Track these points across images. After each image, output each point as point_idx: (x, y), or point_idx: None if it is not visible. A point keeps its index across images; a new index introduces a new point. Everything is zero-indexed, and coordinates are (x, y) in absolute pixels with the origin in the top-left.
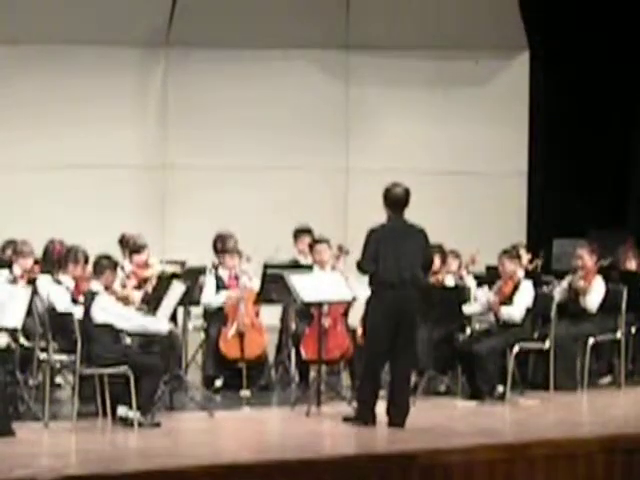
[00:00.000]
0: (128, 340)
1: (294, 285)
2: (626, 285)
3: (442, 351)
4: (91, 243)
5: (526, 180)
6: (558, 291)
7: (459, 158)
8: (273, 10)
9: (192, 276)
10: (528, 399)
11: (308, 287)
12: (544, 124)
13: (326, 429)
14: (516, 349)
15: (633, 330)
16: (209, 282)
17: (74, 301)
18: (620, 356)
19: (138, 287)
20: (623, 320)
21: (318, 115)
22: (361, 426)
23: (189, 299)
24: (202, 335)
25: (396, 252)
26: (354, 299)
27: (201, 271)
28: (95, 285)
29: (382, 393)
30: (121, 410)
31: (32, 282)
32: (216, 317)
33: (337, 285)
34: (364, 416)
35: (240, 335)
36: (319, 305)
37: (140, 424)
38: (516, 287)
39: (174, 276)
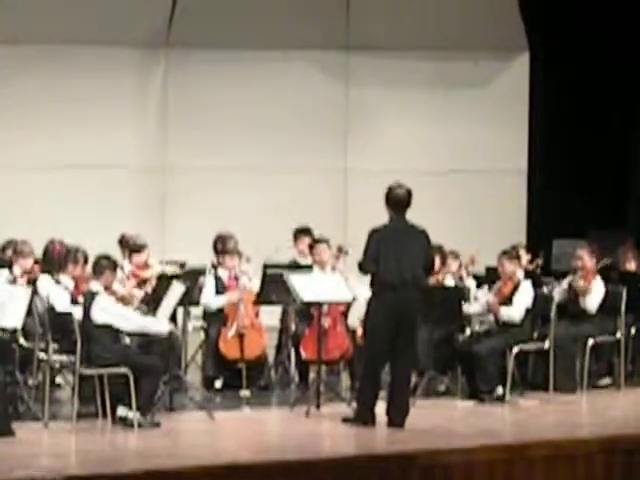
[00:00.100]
0: (128, 340)
1: (294, 285)
2: (626, 286)
3: (442, 352)
4: (91, 243)
5: (526, 180)
6: (558, 292)
7: (459, 159)
8: (273, 11)
9: (192, 277)
10: (528, 400)
11: (308, 287)
12: (544, 125)
13: (326, 429)
14: (516, 350)
15: (633, 331)
16: (209, 283)
17: (74, 301)
18: (620, 357)
19: (138, 287)
20: (623, 321)
21: (318, 116)
22: (361, 427)
23: (189, 299)
24: (202, 335)
25: (398, 253)
26: (354, 299)
27: (201, 272)
28: (95, 285)
29: (382, 394)
30: (121, 410)
31: (32, 282)
32: (216, 318)
33: (337, 285)
34: (364, 417)
35: (240, 335)
36: (319, 305)
37: (140, 424)
38: (516, 288)
39: (174, 276)
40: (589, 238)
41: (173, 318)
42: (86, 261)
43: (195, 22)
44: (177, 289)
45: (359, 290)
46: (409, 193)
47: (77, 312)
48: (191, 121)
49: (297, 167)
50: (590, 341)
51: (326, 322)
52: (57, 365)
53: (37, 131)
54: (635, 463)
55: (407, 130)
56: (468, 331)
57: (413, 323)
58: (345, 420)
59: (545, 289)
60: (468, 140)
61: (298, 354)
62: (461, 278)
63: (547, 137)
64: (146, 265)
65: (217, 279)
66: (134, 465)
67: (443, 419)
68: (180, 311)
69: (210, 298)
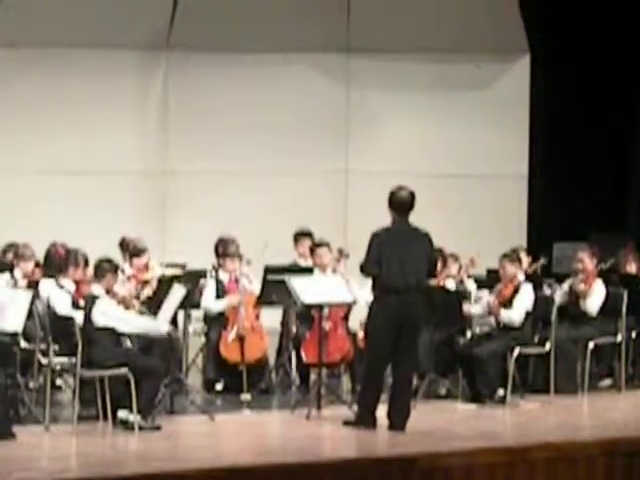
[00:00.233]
0: (128, 343)
1: (294, 287)
2: (626, 288)
3: (443, 354)
4: (92, 247)
5: (527, 183)
6: (558, 294)
7: (459, 161)
8: (274, 13)
9: (192, 279)
10: (528, 402)
11: (308, 289)
12: (545, 127)
13: (326, 432)
14: (516, 352)
15: (633, 334)
16: (209, 286)
17: (75, 304)
18: (620, 359)
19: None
20: (623, 323)
21: (319, 118)
22: (361, 429)
23: (189, 302)
24: (202, 338)
25: (401, 257)
26: (354, 302)
27: (201, 274)
28: (96, 289)
29: (383, 396)
30: (121, 413)
31: (33, 285)
32: (216, 321)
33: (337, 288)
34: (365, 420)
35: (240, 338)
36: (320, 308)
37: (140, 427)
38: (516, 290)
39: (174, 279)
40: (590, 241)
41: (174, 321)
42: (87, 264)
43: (196, 25)
44: (178, 292)
45: (360, 293)
46: (412, 196)
47: (78, 315)
48: (192, 124)
49: (298, 170)
50: (591, 343)
51: (327, 325)
52: (58, 368)
53: (38, 134)
54: (636, 465)
55: (408, 133)
56: (469, 334)
57: (416, 327)
58: (346, 423)
59: (546, 288)
60: (469, 143)
61: (299, 357)
62: (461, 281)
63: (548, 140)
64: (147, 268)
65: (218, 282)
66: (135, 468)
67: (444, 422)
68: (181, 314)
69: (210, 302)
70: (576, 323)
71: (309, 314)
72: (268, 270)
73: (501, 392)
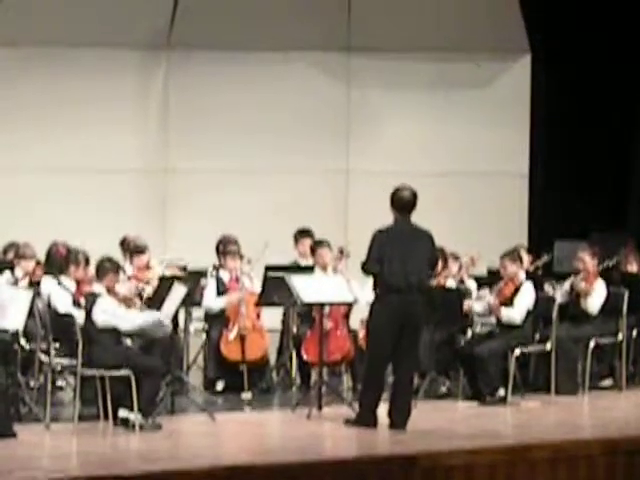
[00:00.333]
0: (129, 342)
1: (295, 286)
2: (627, 288)
3: (443, 353)
4: (92, 246)
5: (527, 182)
6: (559, 293)
7: (460, 160)
8: (274, 12)
9: (193, 278)
10: (529, 401)
11: (309, 288)
12: (545, 126)
13: (327, 431)
14: (517, 351)
15: (634, 333)
16: (210, 284)
17: (75, 303)
18: (621, 359)
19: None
20: (624, 323)
21: (319, 117)
22: (362, 428)
23: (190, 301)
24: (203, 337)
25: (403, 256)
26: (355, 301)
27: (202, 273)
28: (97, 287)
29: (384, 396)
30: (122, 412)
31: (34, 284)
32: (217, 319)
33: (338, 287)
34: (365, 419)
35: (241, 337)
36: (320, 307)
37: (141, 426)
38: (517, 289)
39: (175, 278)
40: (591, 240)
41: (175, 320)
42: (87, 263)
43: (196, 24)
44: (179, 291)
45: (360, 292)
46: (415, 195)
47: (79, 314)
48: (192, 123)
49: (298, 169)
50: (592, 343)
51: (328, 324)
52: (58, 367)
53: (38, 133)
54: (637, 464)
55: (408, 132)
56: (470, 333)
57: (417, 326)
58: (347, 422)
59: (548, 287)
60: (469, 142)
61: (300, 356)
62: (462, 280)
63: (548, 138)
64: (148, 267)
65: (218, 280)
66: (135, 467)
67: (445, 421)
68: (182, 313)
69: (211, 300)
70: (577, 322)
71: (310, 313)
72: (269, 269)
73: (502, 391)
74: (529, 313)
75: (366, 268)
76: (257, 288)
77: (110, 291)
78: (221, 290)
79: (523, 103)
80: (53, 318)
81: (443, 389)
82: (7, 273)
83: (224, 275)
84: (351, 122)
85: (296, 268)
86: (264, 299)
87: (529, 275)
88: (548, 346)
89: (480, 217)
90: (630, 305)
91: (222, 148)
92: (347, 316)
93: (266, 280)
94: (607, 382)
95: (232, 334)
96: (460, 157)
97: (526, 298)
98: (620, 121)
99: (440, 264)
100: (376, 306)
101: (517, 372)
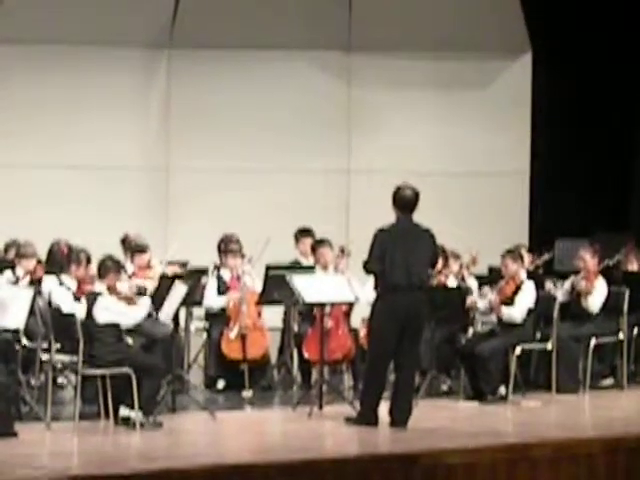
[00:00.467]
0: (130, 340)
1: (296, 286)
2: (628, 287)
3: (444, 352)
4: (93, 244)
5: (528, 181)
6: (560, 292)
7: (461, 159)
8: (276, 11)
9: (194, 277)
10: (530, 400)
11: (310, 288)
12: (546, 125)
13: (328, 430)
14: (518, 350)
15: (635, 331)
16: (211, 283)
17: (76, 300)
18: (622, 357)
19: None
20: (625, 321)
21: (320, 116)
22: (363, 427)
23: (191, 300)
24: (204, 336)
25: (405, 255)
26: (356, 300)
27: (203, 272)
28: (98, 286)
29: (385, 394)
30: (123, 411)
31: (35, 283)
32: (218, 318)
33: (339, 286)
34: (366, 417)
35: (242, 336)
36: (321, 306)
37: (142, 425)
38: (518, 288)
39: (176, 277)
40: (593, 239)
41: (176, 318)
42: (89, 262)
43: (198, 22)
44: (179, 289)
45: (361, 291)
46: (416, 194)
47: (80, 309)
48: (194, 121)
49: (299, 168)
50: (592, 342)
51: (329, 322)
52: (59, 365)
53: (40, 131)
54: (638, 463)
55: (409, 131)
56: (470, 331)
57: (419, 325)
58: (348, 420)
59: (550, 284)
60: (470, 140)
61: (301, 354)
62: (463, 278)
63: (549, 138)
64: (149, 266)
65: (219, 279)
66: (136, 465)
67: (446, 419)
68: (182, 312)
69: (212, 298)
70: (578, 321)
71: (311, 312)
72: (270, 268)
73: (503, 390)
74: (530, 312)
75: (368, 267)
76: (258, 287)
77: (111, 290)
78: (222, 289)
79: (524, 102)
80: (54, 317)
81: (444, 387)
82: (8, 272)
83: (225, 274)
84: (352, 121)
85: (297, 267)
86: (265, 298)
87: (530, 274)
88: (549, 345)
89: (481, 216)
90: (631, 304)
91: (223, 147)
92: (348, 315)
93: (267, 279)
94: (608, 381)
95: (233, 333)
96: (461, 156)
97: (527, 297)
98: (621, 120)
99: (441, 263)
100: (378, 305)
101: (518, 371)
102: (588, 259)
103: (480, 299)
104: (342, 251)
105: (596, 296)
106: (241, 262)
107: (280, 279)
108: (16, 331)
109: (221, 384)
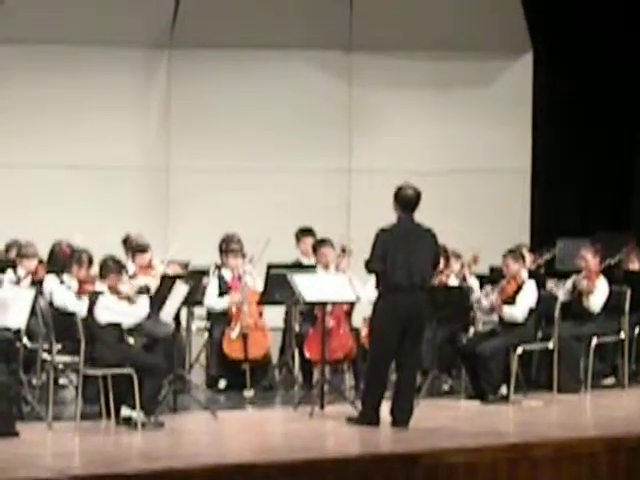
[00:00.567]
0: (131, 340)
1: (297, 285)
2: (630, 286)
3: (446, 351)
4: (94, 244)
5: (529, 180)
6: (562, 292)
7: (462, 158)
8: (276, 11)
9: (195, 277)
10: (531, 400)
11: (311, 287)
12: (547, 124)
13: (330, 429)
14: (520, 350)
15: (637, 331)
16: (212, 283)
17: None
18: (624, 357)
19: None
20: (626, 321)
21: (321, 116)
22: (365, 426)
23: (192, 300)
24: (205, 336)
25: (407, 254)
26: (357, 299)
27: (204, 272)
28: (100, 286)
29: (386, 394)
30: (125, 411)
31: (37, 283)
32: (219, 318)
33: (340, 285)
34: (368, 417)
35: (243, 336)
36: (323, 305)
37: (143, 425)
38: (520, 287)
39: (177, 277)
40: (594, 238)
41: (177, 318)
42: (91, 263)
43: (198, 22)
44: (181, 289)
45: (363, 290)
46: (418, 193)
47: (82, 307)
48: (194, 121)
49: (300, 167)
50: (594, 341)
51: (330, 322)
52: (61, 365)
53: (40, 131)
54: (639, 462)
55: (410, 130)
56: (472, 331)
57: (420, 325)
58: (349, 420)
59: (552, 283)
60: (471, 139)
61: (302, 354)
62: (464, 278)
63: (550, 136)
64: (150, 265)
65: (220, 279)
66: (138, 465)
67: (447, 419)
68: (184, 311)
69: (213, 300)
70: (579, 320)
71: (312, 311)
72: (271, 268)
73: (504, 389)
74: (531, 311)
75: (370, 266)
76: (259, 287)
77: (112, 290)
78: (223, 289)
79: (525, 101)
80: (55, 317)
81: (445, 387)
82: (9, 272)
83: (226, 274)
84: (353, 120)
85: (298, 267)
86: (266, 297)
87: (531, 273)
88: (550, 344)
89: (482, 215)
90: (632, 303)
91: (224, 146)
92: (349, 314)
93: (268, 278)
94: (609, 380)
95: (234, 332)
96: (462, 155)
97: (528, 296)
98: (622, 119)
99: (442, 262)
100: (379, 304)
101: (519, 370)
102: (589, 258)
103: (485, 298)
104: (343, 251)
105: (597, 295)
106: (242, 262)
107: (281, 279)
108: (17, 331)
109: (222, 384)
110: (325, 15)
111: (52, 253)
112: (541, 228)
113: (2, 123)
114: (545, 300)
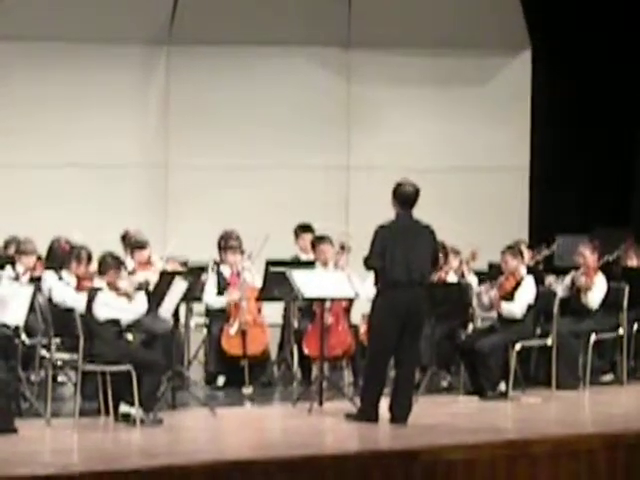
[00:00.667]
0: (130, 337)
1: (296, 281)
2: (628, 282)
3: (445, 348)
4: (93, 241)
5: (528, 177)
6: (560, 288)
7: (461, 155)
8: (275, 8)
9: (194, 274)
10: (530, 396)
11: (310, 283)
12: (546, 122)
13: (328, 426)
14: (518, 346)
15: (635, 327)
16: (211, 280)
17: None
18: (622, 353)
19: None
20: (625, 317)
21: (320, 113)
22: (363, 423)
23: (191, 296)
24: (204, 332)
25: (405, 251)
26: (356, 296)
27: (203, 269)
28: (98, 282)
29: (385, 390)
30: (123, 407)
31: (34, 280)
32: (218, 314)
33: (339, 282)
34: (367, 413)
35: (242, 332)
36: (321, 302)
37: (142, 421)
38: (518, 284)
39: (176, 273)
40: (593, 235)
41: (176, 315)
42: (89, 259)
43: (197, 19)
44: (179, 286)
45: (361, 287)
46: (417, 190)
47: (81, 302)
48: (193, 118)
49: (299, 164)
50: (592, 337)
51: (329, 319)
52: (59, 362)
53: (39, 129)
54: (638, 459)
55: (409, 127)
56: (470, 327)
57: (419, 321)
58: (348, 416)
59: (551, 279)
60: (470, 137)
61: (301, 351)
62: (463, 274)
63: (549, 134)
64: (149, 262)
65: (219, 275)
66: (137, 462)
67: (446, 415)
68: (182, 308)
69: (211, 297)
70: (578, 317)
71: (311, 308)
72: (270, 264)
73: (503, 386)
74: (530, 308)
75: (368, 263)
76: (258, 283)
77: (111, 286)
78: (222, 285)
79: (524, 99)
80: (54, 313)
81: (444, 384)
82: (8, 268)
83: (225, 270)
84: (351, 117)
85: (297, 263)
86: (265, 294)
87: (530, 270)
88: (549, 341)
89: (481, 212)
90: (631, 300)
91: (223, 143)
92: (348, 311)
93: (267, 275)
94: (608, 377)
95: (233, 329)
96: (461, 152)
97: (527, 293)
98: (621, 117)
99: (441, 259)
100: (378, 301)
101: (518, 367)
102: (588, 255)
103: (483, 294)
104: (342, 247)
105: (596, 292)
106: (241, 258)
107: (280, 275)
108: (16, 327)
109: (221, 380)
110: (324, 12)
111: (51, 249)
112: (540, 226)
113: (1, 120)
114: (544, 296)
